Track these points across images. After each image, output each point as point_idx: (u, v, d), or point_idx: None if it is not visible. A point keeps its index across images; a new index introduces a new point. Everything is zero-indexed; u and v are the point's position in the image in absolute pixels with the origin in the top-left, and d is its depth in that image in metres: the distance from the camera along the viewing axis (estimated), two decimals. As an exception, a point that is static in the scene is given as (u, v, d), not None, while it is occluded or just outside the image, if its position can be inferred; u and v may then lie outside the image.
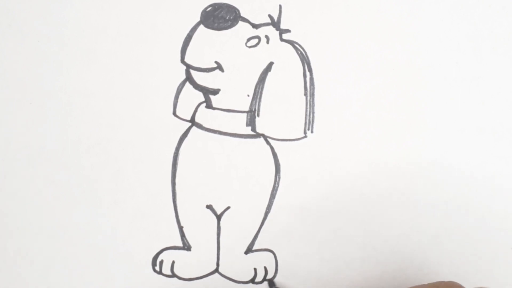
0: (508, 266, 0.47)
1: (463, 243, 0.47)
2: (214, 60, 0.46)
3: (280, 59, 0.47)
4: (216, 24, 0.46)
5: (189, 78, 0.47)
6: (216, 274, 0.47)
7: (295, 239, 0.47)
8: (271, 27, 0.47)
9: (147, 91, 0.47)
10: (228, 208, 0.47)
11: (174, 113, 0.47)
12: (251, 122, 0.47)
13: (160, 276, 0.47)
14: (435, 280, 0.45)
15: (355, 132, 0.47)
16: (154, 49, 0.47)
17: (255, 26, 0.47)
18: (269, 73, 0.47)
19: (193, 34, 0.46)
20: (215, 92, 0.46)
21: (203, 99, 0.47)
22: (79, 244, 0.46)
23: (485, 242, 0.47)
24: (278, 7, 0.47)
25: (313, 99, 0.47)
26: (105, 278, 0.47)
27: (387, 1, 0.47)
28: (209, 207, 0.47)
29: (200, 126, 0.47)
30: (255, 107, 0.46)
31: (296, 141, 0.47)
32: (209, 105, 0.47)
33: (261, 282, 0.47)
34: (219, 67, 0.46)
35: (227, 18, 0.46)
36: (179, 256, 0.47)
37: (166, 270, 0.47)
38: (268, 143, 0.47)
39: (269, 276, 0.47)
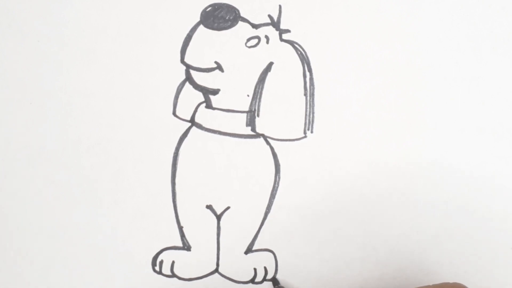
0: (508, 266, 0.47)
1: (463, 243, 0.47)
2: (214, 60, 0.46)
3: (280, 59, 0.47)
4: (216, 24, 0.46)
5: (189, 78, 0.47)
6: (216, 274, 0.47)
7: (295, 239, 0.47)
8: (271, 27, 0.47)
9: (147, 91, 0.47)
10: (228, 208, 0.47)
11: (174, 113, 0.47)
12: (251, 122, 0.47)
13: (160, 276, 0.47)
14: (435, 280, 0.45)
15: (355, 132, 0.47)
16: (154, 49, 0.47)
17: (255, 26, 0.47)
18: (269, 73, 0.47)
19: (193, 34, 0.46)
20: (215, 92, 0.46)
21: (203, 99, 0.47)
22: (79, 244, 0.46)
23: (485, 242, 0.47)
24: (278, 7, 0.47)
25: (313, 99, 0.47)
26: (105, 278, 0.47)
27: (387, 1, 0.47)
28: (209, 207, 0.47)
29: (200, 126, 0.47)
30: (255, 107, 0.46)
31: (296, 141, 0.47)
32: (209, 105, 0.47)
33: (261, 282, 0.47)
34: (219, 67, 0.46)
35: (227, 18, 0.46)
36: (179, 256, 0.47)
37: (166, 270, 0.47)
38: (268, 143, 0.47)
39: (269, 276, 0.47)
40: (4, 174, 0.46)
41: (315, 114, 0.47)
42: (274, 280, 0.47)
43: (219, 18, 0.46)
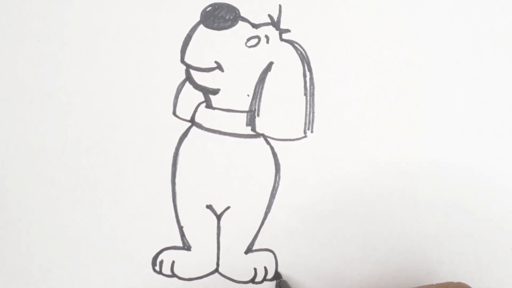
0: (508, 266, 0.47)
1: (463, 243, 0.47)
2: (214, 60, 0.46)
3: (280, 59, 0.47)
4: (216, 24, 0.46)
5: (189, 78, 0.47)
6: (216, 274, 0.47)
7: (295, 239, 0.47)
8: (271, 27, 0.47)
9: (147, 91, 0.47)
10: (228, 208, 0.47)
11: (174, 113, 0.47)
12: (251, 122, 0.47)
13: (160, 276, 0.47)
14: (435, 280, 0.45)
15: (355, 132, 0.47)
16: (154, 49, 0.47)
17: (255, 26, 0.47)
18: (269, 73, 0.47)
19: (193, 34, 0.46)
20: (215, 92, 0.46)
21: (203, 99, 0.47)
22: (79, 244, 0.46)
23: (485, 242, 0.47)
24: (278, 7, 0.47)
25: (313, 99, 0.47)
26: (105, 278, 0.47)
27: (387, 1, 0.47)
28: (209, 207, 0.47)
29: (200, 126, 0.47)
30: (255, 107, 0.46)
31: (296, 141, 0.47)
32: (209, 105, 0.47)
33: (261, 282, 0.47)
34: (219, 67, 0.46)
35: (227, 18, 0.46)
36: (179, 256, 0.47)
37: (166, 270, 0.47)
38: (268, 143, 0.47)
39: (269, 276, 0.47)
40: (4, 174, 0.46)
41: (315, 114, 0.47)
42: (277, 274, 0.47)
43: (219, 18, 0.46)
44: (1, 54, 0.46)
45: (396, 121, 0.47)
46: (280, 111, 0.47)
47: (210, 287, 0.47)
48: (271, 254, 0.47)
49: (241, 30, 0.46)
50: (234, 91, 0.46)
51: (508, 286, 0.47)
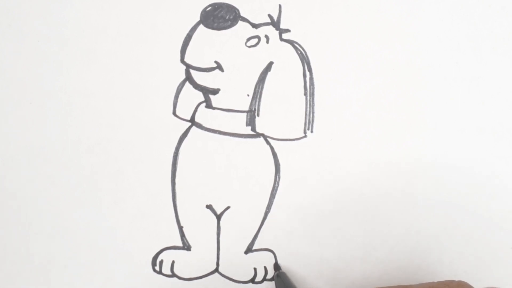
0: (508, 266, 0.47)
1: (463, 243, 0.47)
2: (214, 60, 0.46)
3: (280, 59, 0.47)
4: (216, 24, 0.46)
5: (189, 78, 0.47)
6: (216, 274, 0.47)
7: (295, 239, 0.47)
8: (271, 27, 0.47)
9: (147, 91, 0.47)
10: (228, 208, 0.47)
11: (174, 113, 0.47)
12: (251, 122, 0.47)
13: (160, 276, 0.47)
14: (435, 280, 0.45)
15: (355, 132, 0.47)
16: (154, 49, 0.47)
17: (255, 26, 0.47)
18: (269, 73, 0.47)
19: (193, 34, 0.46)
20: (215, 92, 0.47)
21: (203, 99, 0.47)
22: (79, 244, 0.46)
23: (485, 242, 0.47)
24: (278, 7, 0.47)
25: (313, 99, 0.47)
26: (105, 278, 0.47)
27: (387, 1, 0.47)
28: (209, 207, 0.47)
29: (200, 126, 0.47)
30: (255, 107, 0.46)
31: (296, 141, 0.47)
32: (209, 105, 0.47)
33: (261, 281, 0.47)
34: (219, 67, 0.46)
35: (227, 17, 0.46)
36: (179, 256, 0.47)
37: (166, 270, 0.47)
38: (268, 143, 0.47)
39: (269, 276, 0.47)
40: (4, 174, 0.46)
41: (315, 114, 0.47)
42: (276, 266, 0.47)
43: (219, 17, 0.46)
44: (1, 54, 0.46)
45: (396, 121, 0.47)
46: (280, 111, 0.47)
47: (210, 287, 0.47)
48: (271, 254, 0.47)
49: (241, 30, 0.46)
50: (234, 91, 0.46)
51: (508, 286, 0.47)
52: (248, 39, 0.47)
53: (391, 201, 0.47)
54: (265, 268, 0.47)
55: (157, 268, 0.47)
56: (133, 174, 0.47)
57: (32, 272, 0.46)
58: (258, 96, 0.46)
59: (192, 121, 0.47)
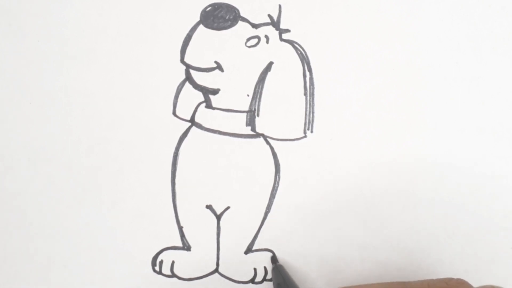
0: (508, 266, 0.47)
1: (463, 243, 0.47)
2: (214, 60, 0.46)
3: (279, 59, 0.47)
4: (215, 24, 0.46)
5: (189, 78, 0.47)
6: (216, 274, 0.47)
7: (295, 239, 0.47)
8: (270, 27, 0.47)
9: (147, 91, 0.47)
10: (228, 208, 0.47)
11: (174, 113, 0.47)
12: (250, 122, 0.47)
13: (160, 276, 0.47)
14: (435, 280, 0.45)
15: (355, 132, 0.47)
16: (154, 49, 0.47)
17: (255, 26, 0.47)
18: (269, 73, 0.47)
19: (193, 34, 0.46)
20: (215, 92, 0.47)
21: (203, 99, 0.47)
22: (79, 244, 0.46)
23: (485, 242, 0.47)
24: (278, 7, 0.47)
25: (313, 99, 0.47)
26: (105, 278, 0.47)
27: (387, 1, 0.47)
28: (209, 207, 0.47)
29: (200, 126, 0.47)
30: (254, 107, 0.46)
31: (296, 141, 0.47)
32: (208, 105, 0.47)
33: (261, 282, 0.47)
34: (219, 67, 0.46)
35: (227, 18, 0.46)
36: (179, 256, 0.47)
37: (166, 270, 0.47)
38: (268, 143, 0.47)
39: (269, 276, 0.47)
40: (4, 174, 0.46)
41: (315, 114, 0.47)
42: (273, 259, 0.46)
43: (219, 17, 0.46)
44: (1, 54, 0.46)
45: (396, 121, 0.47)
46: (280, 111, 0.47)
47: (210, 287, 0.47)
48: (271, 254, 0.47)
49: (241, 30, 0.46)
50: (234, 91, 0.46)
51: (508, 286, 0.47)
52: (248, 39, 0.47)
53: (391, 201, 0.47)
54: (265, 268, 0.47)
55: (157, 268, 0.47)
56: (133, 174, 0.47)
57: (32, 272, 0.46)
58: (258, 96, 0.46)
59: (192, 121, 0.47)
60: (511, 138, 0.47)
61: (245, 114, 0.47)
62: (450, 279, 0.39)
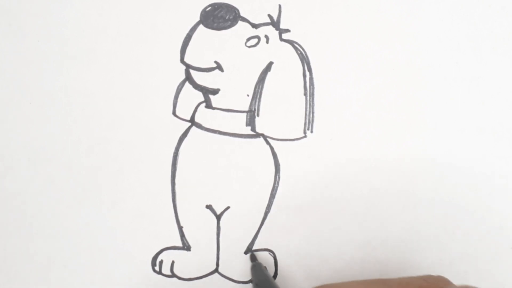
0: (508, 266, 0.47)
1: (463, 243, 0.47)
2: (214, 60, 0.46)
3: (279, 59, 0.47)
4: (215, 24, 0.46)
5: (188, 78, 0.47)
6: (216, 274, 0.47)
7: (295, 239, 0.47)
8: (270, 27, 0.47)
9: (147, 91, 0.47)
10: (227, 208, 0.47)
11: (174, 113, 0.47)
12: (250, 122, 0.47)
13: (160, 276, 0.47)
14: (435, 280, 0.45)
15: (355, 132, 0.47)
16: (154, 49, 0.47)
17: (255, 26, 0.47)
18: (269, 73, 0.47)
19: (192, 34, 0.46)
20: (215, 92, 0.47)
21: (202, 99, 0.47)
22: (79, 244, 0.46)
23: (485, 242, 0.47)
24: (277, 7, 0.47)
25: (312, 99, 0.47)
26: (105, 278, 0.46)
27: (387, 1, 0.47)
28: (208, 207, 0.47)
29: (199, 126, 0.47)
30: (254, 107, 0.46)
31: (295, 141, 0.47)
32: (208, 105, 0.47)
33: (261, 282, 0.47)
34: (219, 67, 0.46)
35: (227, 18, 0.46)
36: (179, 256, 0.47)
37: (166, 270, 0.47)
38: (267, 143, 0.47)
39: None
40: (4, 174, 0.46)
41: (315, 114, 0.47)
42: (252, 256, 0.46)
43: (219, 17, 0.46)
44: (1, 54, 0.46)
45: (396, 121, 0.47)
46: (280, 111, 0.47)
47: (210, 287, 0.47)
48: (271, 254, 0.47)
49: (241, 30, 0.46)
50: (234, 91, 0.46)
51: (508, 286, 0.47)
52: (248, 39, 0.47)
53: (391, 201, 0.47)
54: (265, 268, 0.47)
55: (157, 268, 0.47)
56: (133, 174, 0.47)
57: (32, 272, 0.46)
58: (258, 96, 0.46)
59: (192, 121, 0.47)
60: (511, 138, 0.47)
61: (245, 114, 0.47)
62: (429, 276, 0.39)
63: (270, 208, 0.47)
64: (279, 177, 0.47)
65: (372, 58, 0.47)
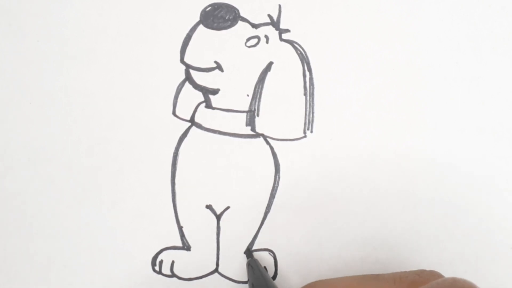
0: (508, 266, 0.47)
1: (463, 243, 0.47)
2: (214, 60, 0.46)
3: (279, 59, 0.47)
4: (215, 24, 0.46)
5: (188, 78, 0.47)
6: (216, 274, 0.47)
7: (295, 239, 0.47)
8: (270, 27, 0.47)
9: (147, 91, 0.47)
10: (227, 208, 0.47)
11: (174, 113, 0.47)
12: (250, 122, 0.47)
13: (160, 276, 0.47)
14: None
15: (355, 132, 0.47)
16: (154, 49, 0.47)
17: (255, 26, 0.47)
18: (269, 73, 0.47)
19: (192, 34, 0.46)
20: (215, 92, 0.47)
21: (202, 99, 0.47)
22: (79, 244, 0.46)
23: (485, 242, 0.47)
24: (277, 7, 0.47)
25: (312, 99, 0.47)
26: (105, 278, 0.47)
27: (387, 1, 0.47)
28: (208, 207, 0.47)
29: (199, 126, 0.47)
30: (254, 107, 0.47)
31: (295, 141, 0.47)
32: (208, 105, 0.47)
33: (261, 282, 0.47)
34: (219, 67, 0.46)
35: (227, 18, 0.46)
36: (179, 256, 0.47)
37: (166, 270, 0.47)
38: (267, 143, 0.47)
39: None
40: (4, 174, 0.46)
41: (315, 114, 0.47)
42: (248, 253, 0.46)
43: (218, 17, 0.46)
44: (1, 54, 0.46)
45: (396, 121, 0.47)
46: (280, 111, 0.47)
47: (210, 287, 0.47)
48: (271, 254, 0.47)
49: (241, 30, 0.46)
50: (234, 91, 0.46)
51: (508, 286, 0.47)
52: (248, 39, 0.47)
53: (391, 201, 0.47)
54: (265, 268, 0.47)
55: (156, 268, 0.47)
56: (133, 174, 0.47)
57: (32, 272, 0.46)
58: (258, 96, 0.46)
59: (192, 121, 0.47)
60: (511, 138, 0.47)
61: (245, 114, 0.47)
62: (423, 271, 0.39)
63: (270, 208, 0.47)
64: (279, 177, 0.47)
65: (372, 58, 0.47)
